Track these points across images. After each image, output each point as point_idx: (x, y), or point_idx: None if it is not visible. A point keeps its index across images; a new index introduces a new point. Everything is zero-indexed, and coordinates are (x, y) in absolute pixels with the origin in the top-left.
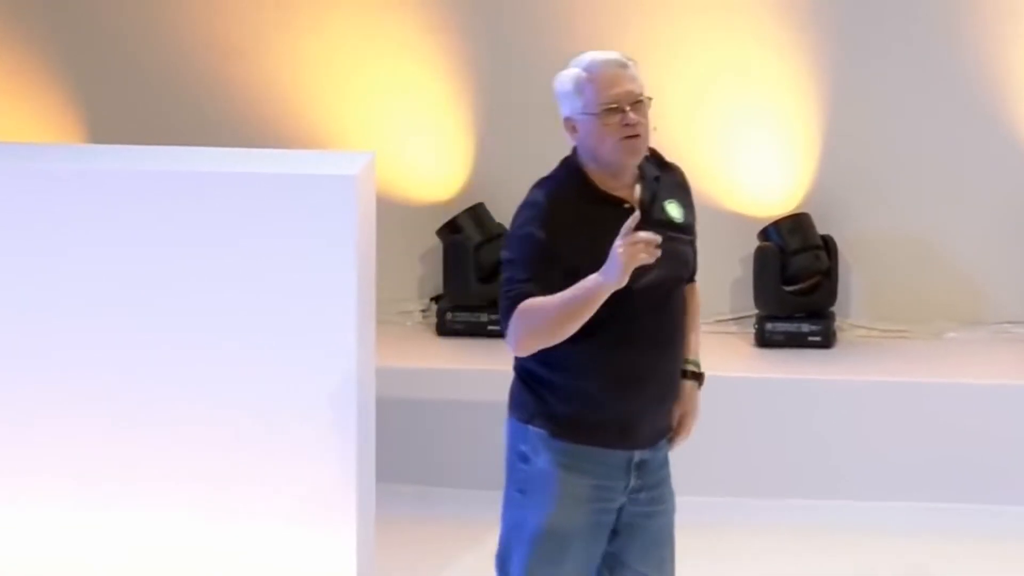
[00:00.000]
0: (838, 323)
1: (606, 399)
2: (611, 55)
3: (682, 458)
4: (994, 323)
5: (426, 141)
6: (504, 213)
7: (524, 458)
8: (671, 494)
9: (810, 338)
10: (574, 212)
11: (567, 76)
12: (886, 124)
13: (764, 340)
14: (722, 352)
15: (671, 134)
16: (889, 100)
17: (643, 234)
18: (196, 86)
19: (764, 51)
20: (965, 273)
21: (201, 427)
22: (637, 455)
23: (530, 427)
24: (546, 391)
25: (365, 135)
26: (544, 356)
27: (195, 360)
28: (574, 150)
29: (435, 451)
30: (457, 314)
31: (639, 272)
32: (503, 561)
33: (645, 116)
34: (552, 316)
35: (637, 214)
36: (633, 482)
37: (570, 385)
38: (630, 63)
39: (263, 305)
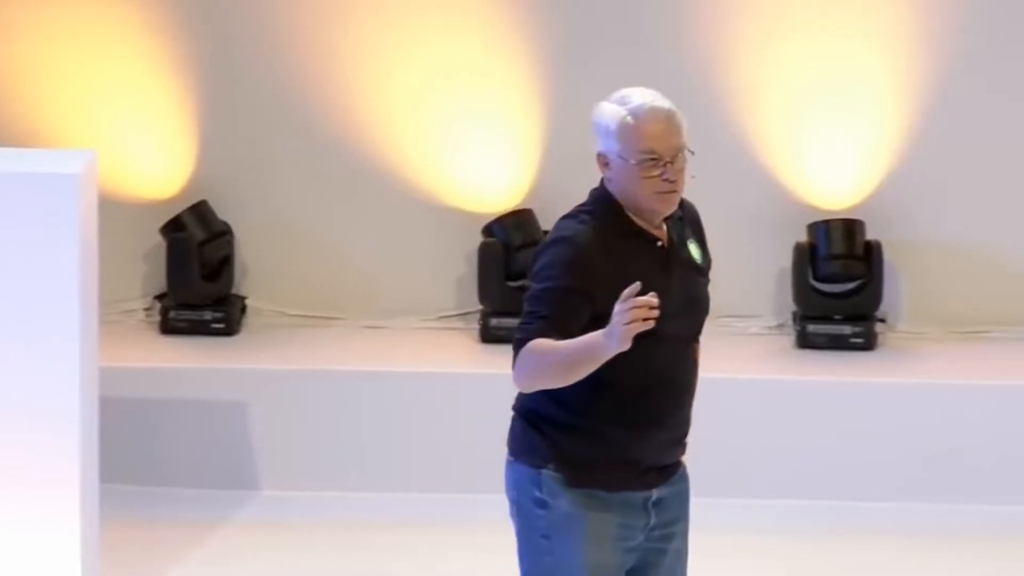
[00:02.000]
0: None
1: (628, 442)
2: (661, 105)
3: None
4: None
5: (148, 139)
6: (227, 209)
7: (542, 504)
8: (685, 532)
9: None
10: (608, 250)
11: (610, 114)
12: None
13: (489, 336)
14: (448, 348)
15: (394, 132)
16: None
17: (642, 299)
18: None
19: (486, 50)
20: None
21: None
22: (655, 494)
23: (544, 471)
24: (561, 434)
25: (86, 134)
26: (560, 399)
27: None
28: (602, 182)
29: (160, 450)
30: (181, 312)
31: (666, 314)
32: None
33: (683, 166)
34: (555, 364)
35: (637, 284)
36: (654, 520)
37: (589, 428)
38: (677, 113)
39: None
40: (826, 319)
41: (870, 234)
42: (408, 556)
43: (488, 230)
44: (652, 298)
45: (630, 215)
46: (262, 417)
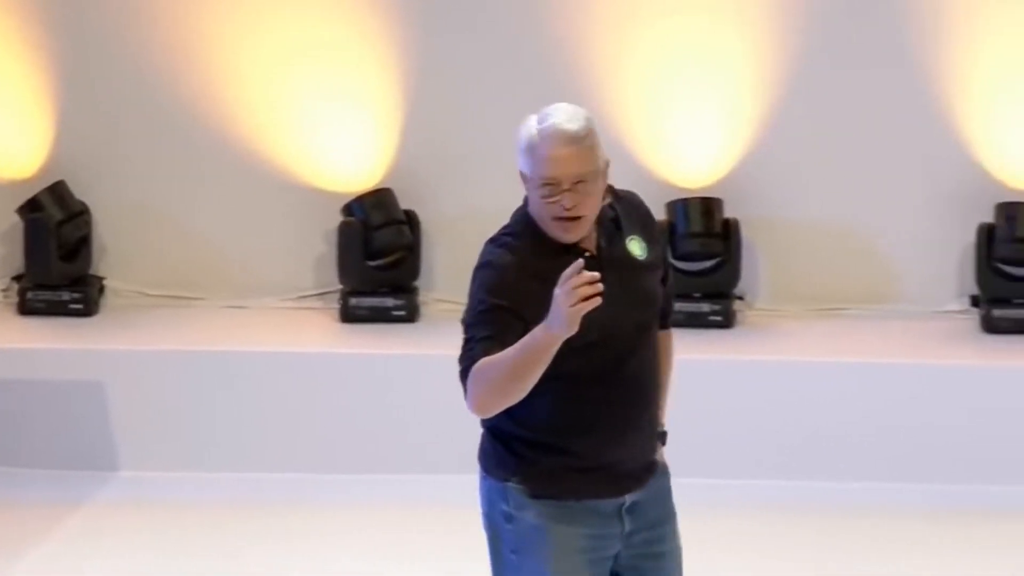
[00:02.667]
0: (422, 297)
1: (591, 452)
2: (568, 128)
3: None
4: None
5: (4, 119)
6: (84, 190)
7: (509, 518)
8: (675, 534)
9: (394, 312)
10: (532, 270)
11: (525, 130)
12: (466, 101)
13: (348, 315)
14: (308, 328)
15: (252, 111)
16: (467, 77)
17: (586, 274)
18: None
19: (344, 28)
20: None
21: None
22: (628, 499)
23: (509, 484)
24: (525, 448)
25: None
26: (519, 415)
27: None
28: (525, 200)
29: (17, 431)
30: (38, 293)
31: (606, 321)
32: None
33: (591, 190)
34: (505, 373)
35: (580, 261)
36: (628, 527)
37: (551, 441)
38: (586, 136)
39: None
40: (686, 297)
41: (728, 212)
42: (266, 537)
43: (348, 209)
44: (592, 273)
45: (549, 235)
46: (120, 398)
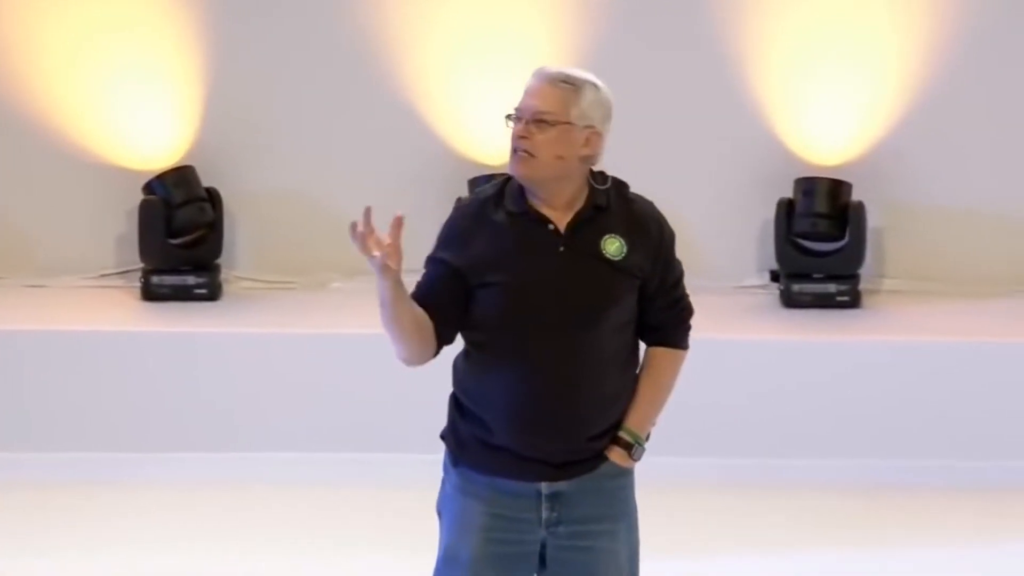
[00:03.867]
0: (224, 275)
1: (502, 430)
2: (553, 69)
3: None
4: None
5: None
6: None
7: (442, 480)
8: (614, 534)
9: (196, 290)
10: (488, 224)
11: None
12: (269, 80)
13: (150, 294)
14: (109, 307)
15: (51, 88)
16: (269, 55)
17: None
18: None
19: (145, 5)
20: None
21: None
22: (545, 487)
23: (446, 448)
24: (458, 415)
25: None
26: (459, 382)
27: None
28: None
29: None
30: None
31: (541, 304)
32: None
33: (552, 140)
34: (381, 319)
35: (368, 207)
36: (547, 514)
37: (475, 413)
38: (565, 85)
39: None
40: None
41: None
42: (74, 515)
43: (149, 187)
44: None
45: (528, 195)
46: None
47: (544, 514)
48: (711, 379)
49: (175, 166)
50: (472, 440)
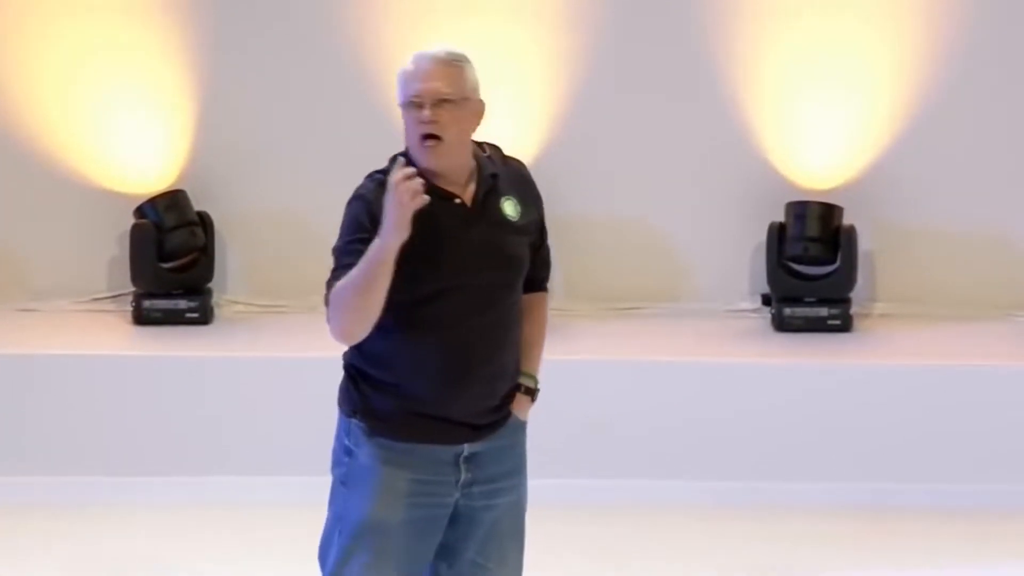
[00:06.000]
0: (216, 299)
1: (428, 397)
2: (437, 50)
3: None
4: None
5: None
6: None
7: (348, 452)
8: (516, 488)
9: (188, 314)
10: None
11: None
12: (261, 104)
13: (142, 318)
14: (100, 331)
15: (43, 111)
16: (259, 79)
17: (407, 170)
18: None
19: (136, 30)
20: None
21: None
22: (466, 448)
23: (353, 421)
24: (368, 387)
25: None
26: (367, 352)
27: None
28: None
29: None
30: None
31: (459, 270)
32: (324, 551)
33: (456, 115)
34: (353, 289)
35: (405, 166)
36: (464, 476)
37: (392, 382)
38: (457, 62)
39: None
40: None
41: None
42: (66, 539)
43: (140, 211)
44: (408, 169)
45: (426, 176)
46: None
47: (461, 476)
48: (702, 402)
49: (167, 190)
50: (391, 410)
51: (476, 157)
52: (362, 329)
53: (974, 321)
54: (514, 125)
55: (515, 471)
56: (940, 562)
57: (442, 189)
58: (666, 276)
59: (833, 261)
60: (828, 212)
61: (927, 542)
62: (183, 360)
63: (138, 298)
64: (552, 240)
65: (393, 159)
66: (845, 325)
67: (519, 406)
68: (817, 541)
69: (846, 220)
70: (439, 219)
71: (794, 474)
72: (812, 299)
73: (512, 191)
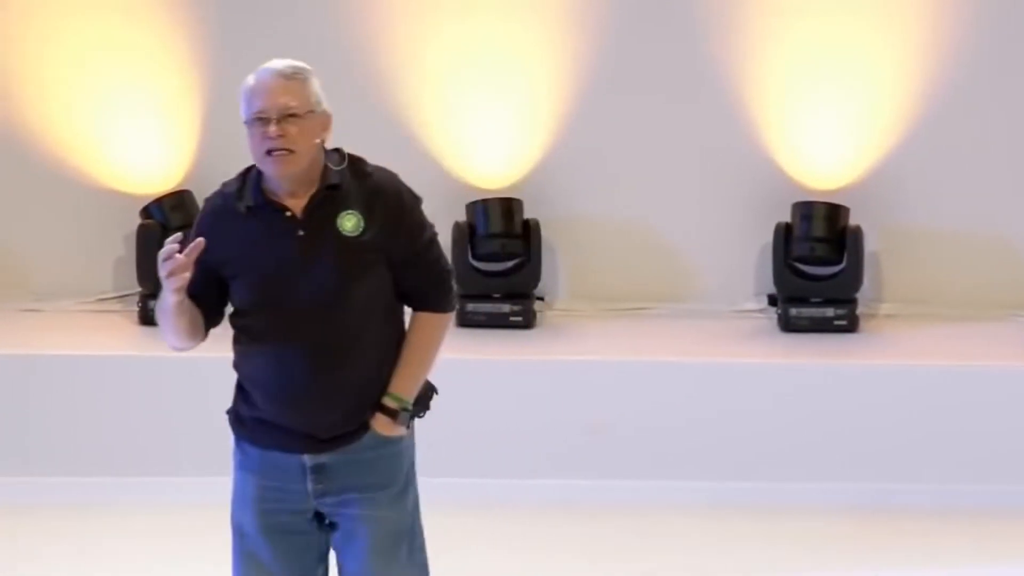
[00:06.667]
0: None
1: (267, 406)
2: (279, 64)
3: None
4: None
5: None
6: None
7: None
8: (379, 503)
9: None
10: (229, 218)
11: (243, 86)
12: None
13: (148, 318)
14: (107, 331)
15: (49, 112)
16: None
17: (169, 251)
18: None
19: (142, 30)
20: None
21: None
22: (308, 459)
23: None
24: (238, 392)
25: None
26: (234, 362)
27: None
28: None
29: None
30: None
31: (280, 284)
32: None
33: (303, 128)
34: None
35: (176, 237)
36: (312, 486)
37: (246, 388)
38: (299, 76)
39: None
40: (487, 298)
41: (527, 213)
42: (71, 539)
43: (147, 212)
44: (170, 247)
45: (265, 185)
46: None
47: (310, 486)
48: (708, 402)
49: (173, 190)
50: (247, 416)
51: (324, 169)
52: (182, 345)
53: (980, 321)
54: (519, 126)
55: (377, 486)
56: (945, 560)
57: (273, 202)
58: (672, 276)
59: (839, 261)
60: (834, 212)
61: (933, 542)
62: (189, 360)
63: (144, 299)
64: (559, 241)
65: (241, 171)
66: (851, 325)
67: (380, 424)
68: (822, 541)
69: (852, 220)
70: (266, 232)
71: (800, 474)
72: (818, 299)
73: (360, 206)
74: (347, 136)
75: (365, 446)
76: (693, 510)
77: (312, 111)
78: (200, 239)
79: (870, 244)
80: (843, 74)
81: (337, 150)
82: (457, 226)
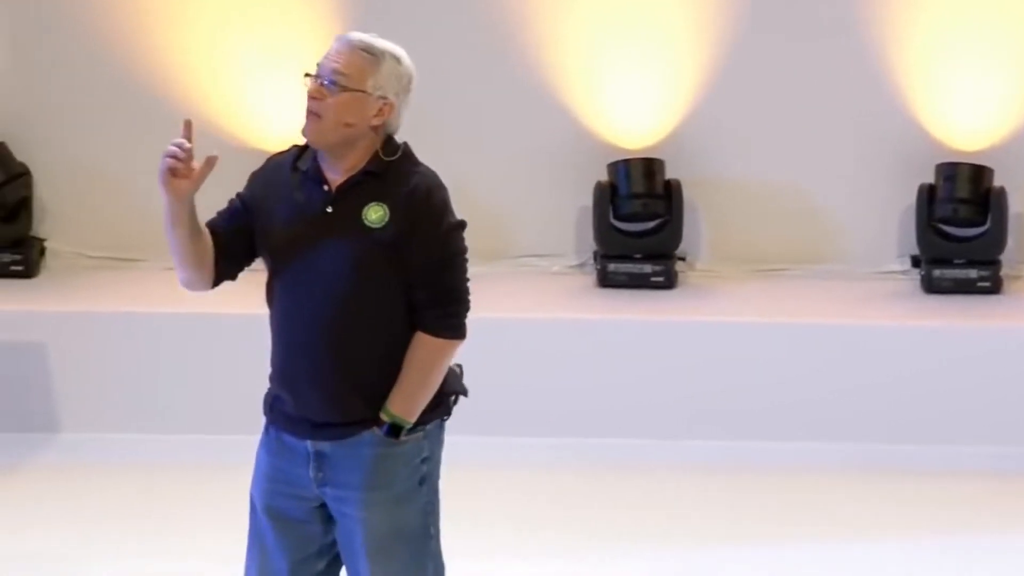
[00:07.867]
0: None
1: (273, 379)
2: (356, 36)
3: None
4: None
5: None
6: (25, 150)
7: None
8: (361, 501)
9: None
10: (275, 174)
11: None
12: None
13: None
14: (246, 290)
15: (192, 75)
16: (409, 47)
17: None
18: None
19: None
20: (481, 210)
21: None
22: (311, 445)
23: None
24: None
25: None
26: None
27: None
28: None
29: None
30: None
31: (295, 259)
32: None
33: (343, 104)
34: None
35: (188, 120)
36: (314, 473)
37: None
38: (367, 52)
39: None
40: (628, 258)
41: (670, 173)
42: (204, 497)
43: None
44: (179, 141)
45: (318, 157)
46: (61, 360)
47: (311, 472)
48: (851, 364)
49: None
50: (267, 395)
51: (374, 155)
52: (184, 276)
53: None
54: (662, 86)
55: (376, 486)
56: None
57: (319, 172)
58: (814, 237)
59: (983, 223)
60: (978, 174)
61: None
62: None
63: None
64: (701, 202)
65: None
66: (995, 287)
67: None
68: (964, 502)
69: (996, 182)
70: (302, 197)
71: (943, 436)
72: (961, 261)
73: (391, 200)
74: (492, 98)
75: (364, 442)
76: (839, 471)
77: (363, 91)
78: (188, 120)
79: (1014, 205)
80: (988, 35)
81: (392, 141)
82: (599, 186)
